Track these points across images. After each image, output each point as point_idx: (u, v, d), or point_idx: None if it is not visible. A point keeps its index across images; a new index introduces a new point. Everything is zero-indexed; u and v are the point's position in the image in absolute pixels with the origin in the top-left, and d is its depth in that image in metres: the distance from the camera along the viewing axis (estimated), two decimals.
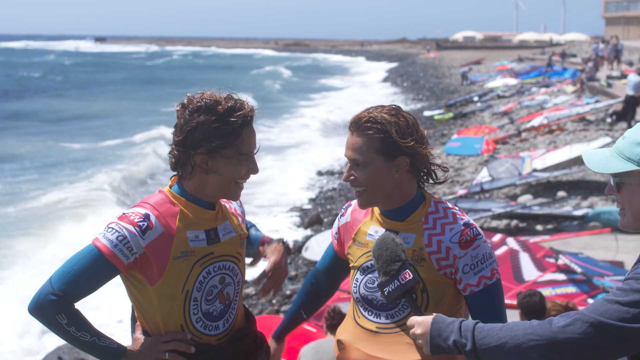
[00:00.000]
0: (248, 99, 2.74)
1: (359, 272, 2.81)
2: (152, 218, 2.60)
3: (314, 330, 6.82)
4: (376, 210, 2.81)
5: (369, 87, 55.34)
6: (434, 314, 2.44)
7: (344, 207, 2.98)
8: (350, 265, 2.86)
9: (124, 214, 2.63)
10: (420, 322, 2.44)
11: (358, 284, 2.80)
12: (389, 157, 2.69)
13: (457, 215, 2.74)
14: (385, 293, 2.50)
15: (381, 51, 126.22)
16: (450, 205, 2.80)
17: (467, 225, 2.71)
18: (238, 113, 2.63)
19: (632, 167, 2.26)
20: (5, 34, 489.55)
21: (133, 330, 2.78)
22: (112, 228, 2.59)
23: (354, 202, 2.91)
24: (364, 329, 2.78)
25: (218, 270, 2.71)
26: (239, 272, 2.79)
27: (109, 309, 10.47)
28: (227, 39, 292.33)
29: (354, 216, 2.89)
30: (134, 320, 2.79)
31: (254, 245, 3.04)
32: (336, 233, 2.98)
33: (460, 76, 48.73)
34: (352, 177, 2.73)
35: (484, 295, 2.68)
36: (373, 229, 2.80)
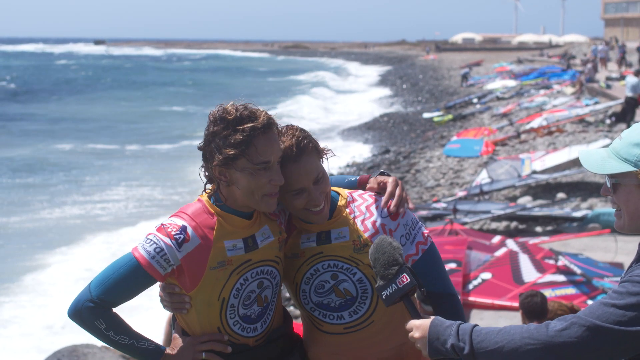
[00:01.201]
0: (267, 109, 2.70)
1: (303, 284, 2.78)
2: (189, 230, 2.62)
3: None
4: (298, 221, 2.80)
5: (366, 92, 55.35)
6: (432, 317, 2.43)
7: None
8: (290, 280, 2.82)
9: (162, 224, 2.65)
10: (419, 326, 2.42)
11: (307, 294, 2.78)
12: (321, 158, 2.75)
13: (373, 195, 2.83)
14: (383, 297, 2.48)
15: (380, 53, 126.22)
16: (360, 191, 2.86)
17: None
18: (248, 122, 2.58)
19: (628, 168, 2.25)
20: (3, 37, 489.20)
21: (174, 329, 2.83)
22: (150, 239, 2.62)
23: None
24: (332, 334, 2.78)
25: (256, 275, 2.70)
26: (278, 275, 2.77)
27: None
28: (227, 41, 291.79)
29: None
30: (174, 319, 2.84)
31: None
32: None
33: (460, 77, 48.68)
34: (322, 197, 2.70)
35: (424, 261, 2.78)
36: (304, 237, 2.78)
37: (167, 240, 2.60)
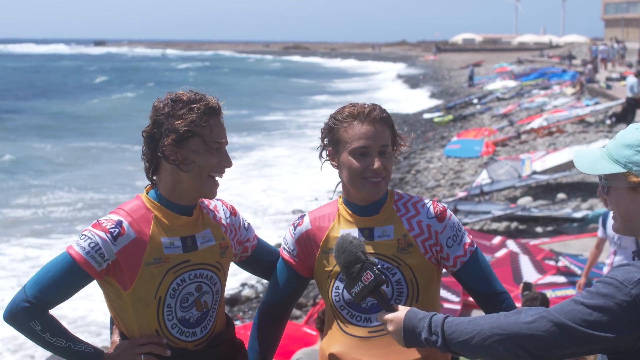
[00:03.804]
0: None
1: (337, 280, 2.75)
2: (125, 224, 2.62)
3: (313, 333, 6.80)
4: (344, 212, 2.79)
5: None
6: (407, 308, 2.42)
7: (295, 220, 2.88)
8: (324, 276, 2.78)
9: (97, 221, 2.65)
10: (392, 319, 2.41)
11: (340, 291, 2.74)
12: (394, 146, 2.77)
13: (418, 195, 2.81)
14: (353, 295, 2.48)
15: (380, 54, 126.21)
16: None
17: (432, 199, 2.84)
18: (201, 102, 2.65)
19: (618, 169, 2.22)
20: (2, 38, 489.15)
21: (112, 333, 2.79)
22: (85, 235, 2.61)
23: (307, 213, 2.87)
24: (355, 337, 2.74)
25: (194, 278, 2.69)
26: (218, 282, 2.76)
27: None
28: (227, 42, 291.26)
29: (317, 224, 2.82)
30: (112, 323, 2.79)
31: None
32: (294, 249, 2.85)
33: (468, 78, 48.54)
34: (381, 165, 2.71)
35: (472, 262, 2.77)
36: (344, 232, 2.73)
37: (102, 234, 2.59)
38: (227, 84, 63.55)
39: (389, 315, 2.42)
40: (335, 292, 2.76)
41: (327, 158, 2.79)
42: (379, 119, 2.70)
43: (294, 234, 2.84)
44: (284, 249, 2.88)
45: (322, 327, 5.97)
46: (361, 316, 2.74)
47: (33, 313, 2.55)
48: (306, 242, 2.81)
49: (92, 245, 2.58)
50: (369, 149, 2.68)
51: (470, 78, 47.48)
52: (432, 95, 45.17)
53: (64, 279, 2.57)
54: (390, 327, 2.41)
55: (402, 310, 2.41)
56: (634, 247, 7.08)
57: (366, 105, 2.73)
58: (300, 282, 2.88)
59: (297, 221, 2.86)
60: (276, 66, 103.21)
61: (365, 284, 2.44)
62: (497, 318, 2.24)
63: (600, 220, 7.37)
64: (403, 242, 2.73)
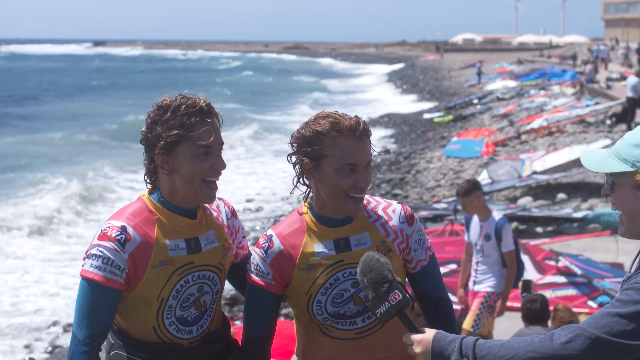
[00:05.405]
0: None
1: (319, 294, 2.68)
2: (130, 229, 2.60)
3: None
4: (313, 225, 2.72)
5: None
6: (434, 331, 2.38)
7: (262, 241, 2.75)
8: (302, 292, 2.70)
9: (102, 231, 2.61)
10: (420, 341, 2.36)
11: (322, 305, 2.69)
12: None
13: (385, 198, 2.84)
14: (378, 315, 2.43)
15: (380, 54, 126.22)
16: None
17: (400, 203, 2.81)
18: (188, 106, 2.60)
19: (626, 168, 2.25)
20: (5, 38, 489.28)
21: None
22: (94, 254, 2.58)
23: (274, 232, 2.75)
24: (342, 340, 2.72)
25: (197, 279, 2.69)
26: (219, 282, 2.76)
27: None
28: (226, 42, 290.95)
29: (289, 243, 2.71)
30: None
31: None
32: (268, 272, 2.72)
33: (477, 75, 48.52)
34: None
35: (430, 266, 2.81)
36: (319, 246, 2.69)
37: (110, 244, 2.56)
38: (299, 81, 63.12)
39: (416, 337, 2.38)
40: (317, 307, 2.69)
41: (300, 169, 2.69)
42: (364, 133, 2.64)
43: (266, 257, 2.72)
44: (256, 274, 2.74)
45: None
46: (346, 321, 2.71)
47: (93, 355, 2.57)
48: (281, 263, 2.71)
49: (105, 261, 2.56)
50: (357, 166, 2.62)
51: (479, 75, 47.57)
52: (430, 98, 45.10)
53: (99, 303, 2.57)
54: (417, 349, 2.36)
55: (430, 332, 2.37)
56: (497, 256, 6.87)
57: (350, 118, 2.63)
58: (280, 302, 2.79)
59: (266, 243, 2.73)
60: (310, 67, 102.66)
61: (392, 304, 2.39)
62: (531, 341, 2.21)
63: (465, 224, 7.04)
64: (383, 248, 2.70)
